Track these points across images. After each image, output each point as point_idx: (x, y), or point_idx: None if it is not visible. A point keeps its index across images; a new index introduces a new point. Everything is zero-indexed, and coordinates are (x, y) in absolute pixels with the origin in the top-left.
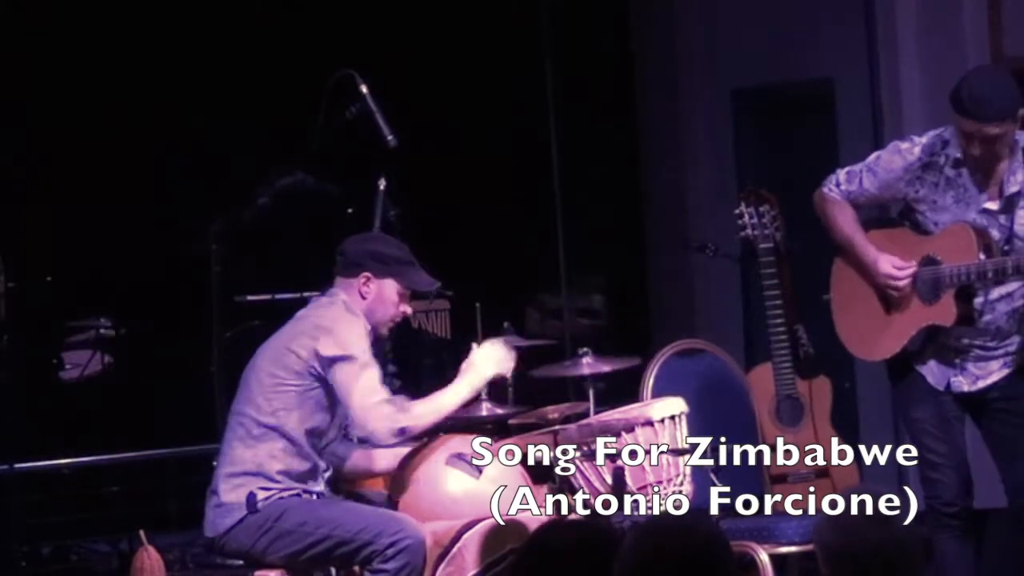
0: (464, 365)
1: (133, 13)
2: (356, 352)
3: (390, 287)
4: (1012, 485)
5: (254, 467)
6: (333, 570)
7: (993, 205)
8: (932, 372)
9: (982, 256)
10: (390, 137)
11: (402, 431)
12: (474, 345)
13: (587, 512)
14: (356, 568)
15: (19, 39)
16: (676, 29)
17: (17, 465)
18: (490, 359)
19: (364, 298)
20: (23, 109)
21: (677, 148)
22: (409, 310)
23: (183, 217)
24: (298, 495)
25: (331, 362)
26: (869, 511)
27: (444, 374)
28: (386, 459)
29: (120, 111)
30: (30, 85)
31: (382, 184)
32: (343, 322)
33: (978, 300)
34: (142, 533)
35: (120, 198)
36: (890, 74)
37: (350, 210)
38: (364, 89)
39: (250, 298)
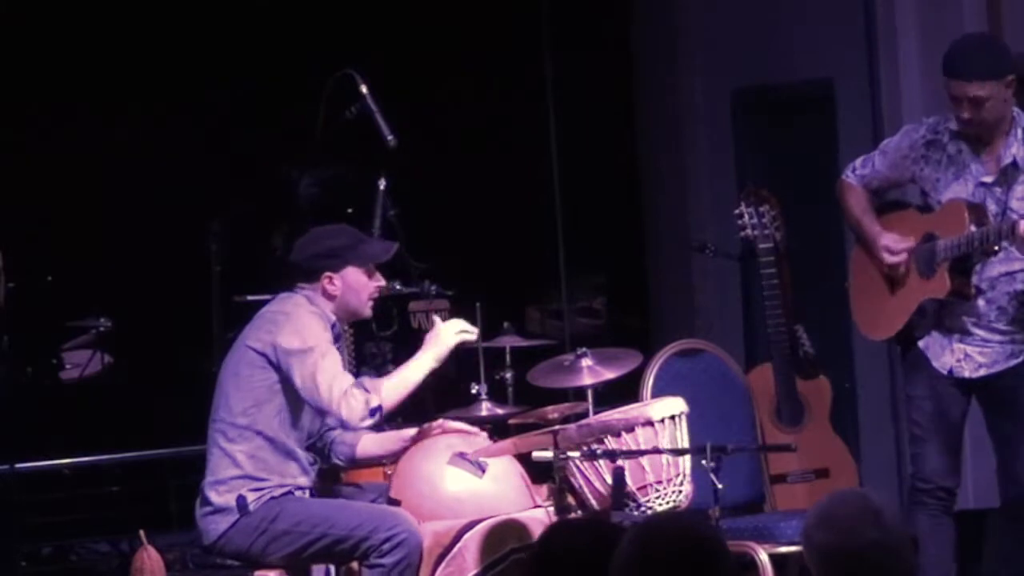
0: (428, 337)
1: (134, 11)
2: (313, 342)
3: (352, 274)
4: (1004, 477)
5: (238, 471)
6: (332, 567)
7: (989, 178)
8: (936, 355)
9: (973, 228)
10: (390, 137)
11: (376, 411)
12: (437, 319)
13: (587, 512)
14: (355, 564)
15: (19, 39)
16: (676, 29)
17: (17, 465)
18: (452, 330)
19: (333, 296)
20: (23, 108)
21: (677, 148)
22: (383, 281)
23: (183, 216)
24: (289, 492)
25: (290, 355)
26: (859, 511)
27: (444, 374)
28: (392, 442)
29: (120, 111)
30: (30, 85)
31: (382, 184)
32: (298, 313)
33: (978, 277)
34: (142, 533)
35: (120, 197)
36: (890, 74)
37: (350, 210)
38: (364, 89)
39: (250, 298)
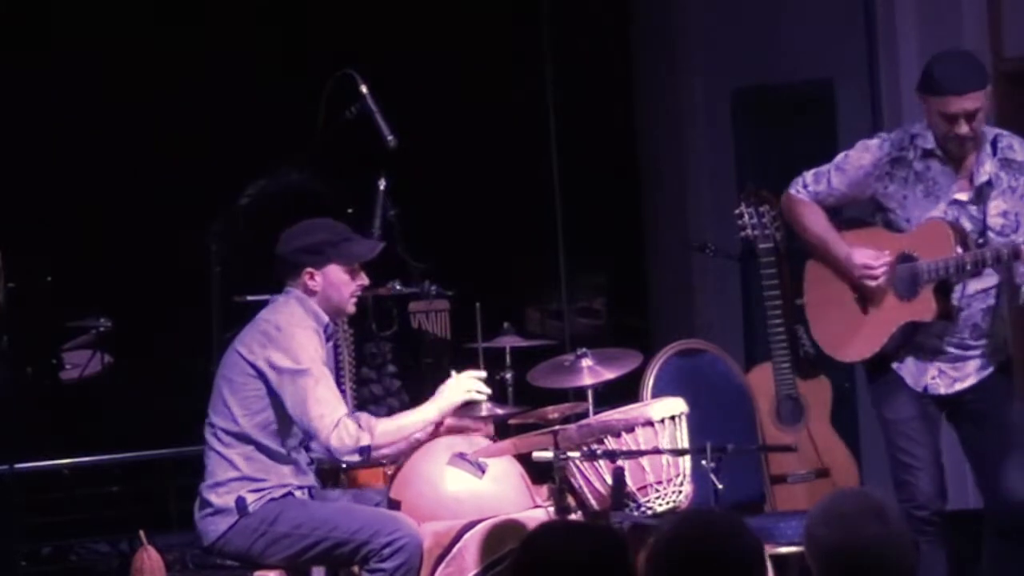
0: (439, 389)
1: (134, 10)
2: (307, 363)
3: (334, 271)
4: (987, 489)
5: (236, 473)
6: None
7: (964, 196)
8: (910, 373)
9: (959, 250)
10: (390, 137)
11: (364, 450)
12: (453, 372)
13: (587, 512)
14: (355, 568)
15: (19, 39)
16: (676, 29)
17: (17, 465)
18: (462, 388)
19: (314, 292)
20: (23, 107)
21: (677, 148)
22: (366, 280)
23: (183, 216)
24: (290, 493)
25: (281, 374)
26: (862, 508)
27: (444, 374)
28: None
29: (120, 109)
30: (29, 82)
31: (382, 184)
32: (290, 328)
33: (955, 295)
34: (142, 533)
35: (120, 197)
36: (890, 74)
37: (350, 210)
38: (364, 89)
39: (250, 298)
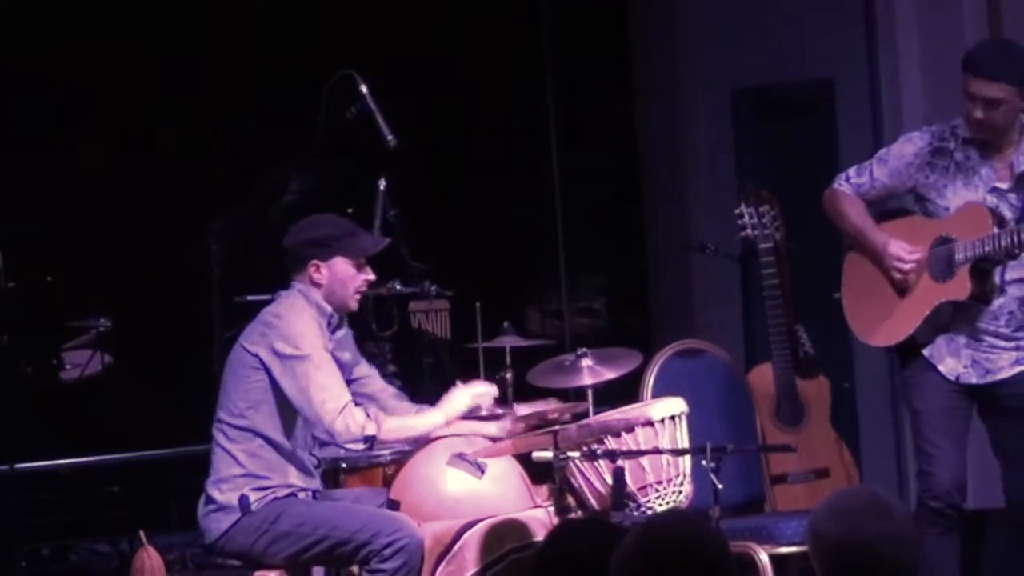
0: (445, 396)
1: (134, 9)
2: (308, 350)
3: (340, 264)
4: (1012, 485)
5: (240, 470)
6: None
7: (1003, 184)
8: (942, 360)
9: (996, 229)
10: (390, 137)
11: (369, 439)
12: (458, 383)
13: (587, 512)
14: (355, 568)
15: (19, 39)
16: (676, 29)
17: (17, 465)
18: (469, 393)
19: (320, 285)
20: (23, 107)
21: (677, 148)
22: (372, 276)
23: (183, 216)
24: (293, 494)
25: (282, 360)
26: (867, 503)
27: (444, 374)
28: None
29: (120, 109)
30: (29, 81)
31: (382, 184)
32: (290, 315)
33: (994, 277)
34: (142, 533)
35: (120, 197)
36: (890, 74)
37: (350, 210)
38: (364, 89)
39: (250, 298)
